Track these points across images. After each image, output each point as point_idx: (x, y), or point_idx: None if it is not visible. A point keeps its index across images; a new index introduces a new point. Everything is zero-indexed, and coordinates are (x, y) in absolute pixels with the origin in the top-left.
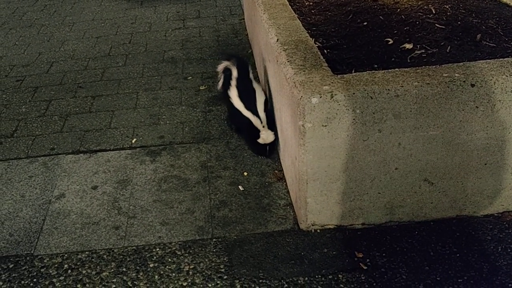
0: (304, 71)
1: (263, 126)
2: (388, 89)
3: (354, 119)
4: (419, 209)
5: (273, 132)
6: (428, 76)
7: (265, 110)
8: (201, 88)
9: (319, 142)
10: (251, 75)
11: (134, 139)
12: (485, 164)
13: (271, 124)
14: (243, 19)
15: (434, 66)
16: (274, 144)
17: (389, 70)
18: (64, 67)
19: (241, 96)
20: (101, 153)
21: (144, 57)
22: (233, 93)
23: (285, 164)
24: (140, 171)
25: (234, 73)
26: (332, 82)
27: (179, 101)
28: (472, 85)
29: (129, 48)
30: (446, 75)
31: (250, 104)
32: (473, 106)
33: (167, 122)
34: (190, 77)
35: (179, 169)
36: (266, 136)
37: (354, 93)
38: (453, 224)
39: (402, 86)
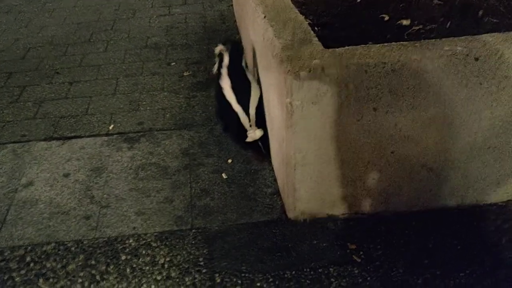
0: (292, 46)
1: (250, 126)
2: (384, 63)
3: (347, 95)
4: (417, 197)
5: (260, 128)
6: (428, 49)
7: (258, 107)
8: (185, 74)
9: (308, 122)
10: (243, 63)
11: (112, 126)
12: (489, 147)
13: (261, 123)
14: (231, 5)
15: (434, 40)
16: (267, 139)
17: (385, 44)
18: (41, 53)
19: (235, 88)
20: (75, 140)
21: (126, 43)
22: (226, 84)
23: (272, 150)
24: (116, 159)
25: (226, 59)
26: (322, 56)
27: (161, 87)
28: (476, 59)
29: (111, 35)
30: (447, 48)
31: (243, 99)
32: (477, 83)
33: (148, 108)
34: (173, 63)
35: (158, 157)
36: (253, 134)
37: (347, 66)
38: (453, 214)
39: (399, 60)
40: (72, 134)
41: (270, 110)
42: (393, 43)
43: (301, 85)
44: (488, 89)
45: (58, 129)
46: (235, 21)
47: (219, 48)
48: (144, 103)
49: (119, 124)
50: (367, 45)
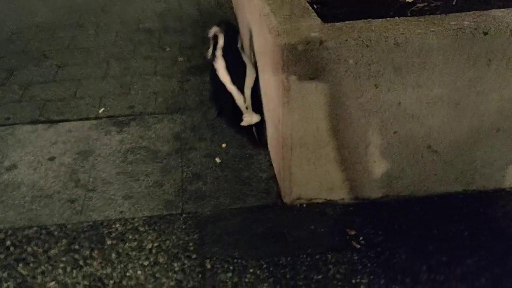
0: (289, 20)
1: (247, 108)
2: (387, 37)
3: (346, 71)
4: (421, 182)
5: (258, 115)
6: (433, 24)
7: (253, 90)
8: (179, 58)
9: (306, 99)
10: (239, 45)
11: (101, 109)
12: (498, 130)
13: (258, 106)
14: None
15: (440, 15)
16: (262, 126)
17: (388, 19)
18: (29, 36)
19: (229, 69)
20: (62, 123)
21: (118, 27)
22: (220, 65)
23: (268, 134)
24: (104, 142)
25: (221, 41)
26: (321, 30)
27: (153, 71)
28: (485, 33)
29: (102, 18)
30: (453, 23)
31: (238, 80)
32: (485, 60)
33: (139, 92)
34: (167, 48)
35: (148, 140)
36: (250, 118)
37: (347, 40)
38: (459, 200)
39: (403, 34)
40: (59, 118)
41: (267, 92)
42: (396, 17)
43: (298, 57)
44: (498, 68)
45: (44, 112)
46: (232, 7)
47: (213, 30)
48: (136, 86)
49: (108, 108)
50: (369, 20)
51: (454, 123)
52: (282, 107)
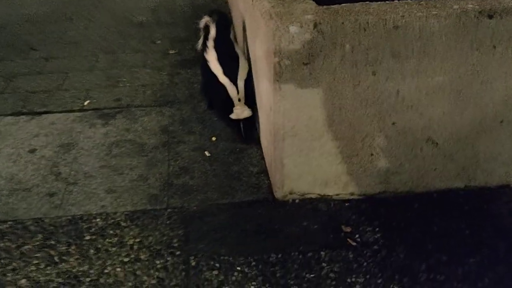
0: (283, 4)
1: (239, 100)
2: (386, 20)
3: (342, 57)
4: (420, 177)
5: (249, 109)
6: (435, 7)
7: (246, 80)
8: (170, 52)
9: (299, 86)
10: (232, 35)
11: (87, 101)
12: (502, 122)
13: (251, 100)
14: None
15: None
16: (252, 123)
17: (387, 1)
18: (19, 30)
19: (221, 60)
20: (45, 115)
21: (109, 21)
22: (212, 56)
23: (261, 126)
24: (88, 135)
25: (212, 32)
26: (316, 12)
27: (143, 64)
28: (490, 17)
29: (93, 13)
30: (456, 6)
31: (230, 71)
32: (490, 46)
33: (127, 84)
34: (158, 41)
35: (134, 133)
36: (240, 111)
37: (343, 23)
38: (460, 196)
39: (403, 17)
40: (43, 110)
41: (258, 80)
42: (395, 0)
43: (291, 40)
44: (503, 55)
45: (27, 104)
46: (226, 1)
47: (204, 20)
48: (124, 79)
49: (95, 100)
50: (366, 2)
51: (455, 114)
52: (273, 94)
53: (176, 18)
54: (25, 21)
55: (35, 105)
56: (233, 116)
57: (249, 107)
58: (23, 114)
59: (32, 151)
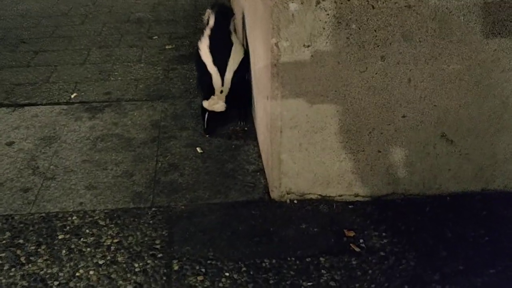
0: None
1: (221, 92)
2: None
3: (348, 38)
4: (433, 178)
5: (224, 104)
6: None
7: (237, 71)
8: (167, 47)
9: (299, 71)
10: (231, 27)
11: (74, 94)
12: None
13: (238, 95)
14: None
15: None
16: (220, 119)
17: None
18: (11, 24)
19: (212, 49)
20: (29, 108)
21: (106, 17)
22: (204, 44)
23: (257, 118)
24: (72, 128)
25: (211, 21)
26: None
27: (137, 59)
28: None
29: (91, 9)
30: None
31: (221, 60)
32: None
33: (119, 78)
34: (155, 37)
35: (122, 128)
36: (213, 102)
37: (349, 0)
38: (477, 201)
39: None
40: (26, 102)
41: (256, 67)
42: None
43: (290, 19)
44: None
45: (11, 96)
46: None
47: (207, 13)
48: (116, 73)
49: (83, 93)
50: None
51: (473, 107)
52: (271, 80)
53: (175, 16)
54: (18, 15)
55: (19, 97)
56: (204, 104)
57: (227, 103)
58: (4, 105)
59: (10, 143)
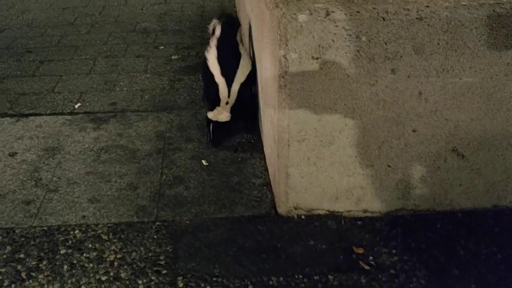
0: None
1: (227, 103)
2: (408, 9)
3: (358, 50)
4: (444, 193)
5: (229, 114)
6: None
7: (244, 83)
8: (173, 57)
9: (307, 83)
10: (238, 37)
11: (78, 104)
12: None
13: (245, 107)
14: None
15: None
16: (224, 130)
17: None
18: (17, 33)
19: (220, 59)
20: (33, 118)
21: (112, 27)
22: (211, 55)
23: (264, 130)
24: (76, 139)
25: (217, 31)
26: (328, 0)
27: (143, 69)
28: None
29: (97, 19)
30: None
31: (228, 71)
32: None
33: (124, 89)
34: (162, 47)
35: (127, 139)
36: (218, 113)
37: (358, 12)
38: (489, 217)
39: (428, 6)
40: (30, 112)
41: (263, 79)
42: None
43: (299, 30)
44: None
45: (15, 106)
46: (235, 10)
47: (213, 23)
48: (122, 83)
49: (87, 103)
50: None
51: (485, 121)
52: (278, 91)
53: (182, 26)
54: (25, 25)
55: (23, 107)
56: (209, 115)
57: (238, 113)
58: (8, 115)
59: (13, 154)
